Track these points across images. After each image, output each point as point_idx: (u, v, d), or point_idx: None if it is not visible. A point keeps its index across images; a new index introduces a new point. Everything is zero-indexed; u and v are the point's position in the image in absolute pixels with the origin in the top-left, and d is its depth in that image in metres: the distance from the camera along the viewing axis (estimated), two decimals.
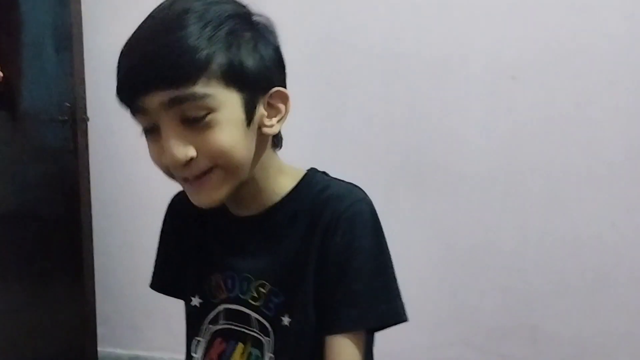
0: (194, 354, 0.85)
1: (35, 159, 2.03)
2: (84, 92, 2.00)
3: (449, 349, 1.91)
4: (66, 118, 1.95)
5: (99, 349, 2.10)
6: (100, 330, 2.10)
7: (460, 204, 1.87)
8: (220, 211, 0.80)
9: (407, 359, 1.91)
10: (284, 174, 0.81)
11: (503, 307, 1.85)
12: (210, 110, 0.68)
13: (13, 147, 2.03)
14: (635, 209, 1.73)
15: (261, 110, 0.74)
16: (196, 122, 0.68)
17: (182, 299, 0.88)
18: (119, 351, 2.21)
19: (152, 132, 0.71)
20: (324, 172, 0.84)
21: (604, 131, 1.73)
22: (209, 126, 0.68)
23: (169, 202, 0.92)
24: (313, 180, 0.81)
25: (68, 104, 1.94)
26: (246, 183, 0.76)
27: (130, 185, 2.15)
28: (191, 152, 0.69)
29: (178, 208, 0.90)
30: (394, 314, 0.76)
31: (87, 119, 1.99)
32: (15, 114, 2.03)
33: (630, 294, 1.75)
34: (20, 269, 2.02)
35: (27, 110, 2.03)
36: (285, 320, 0.77)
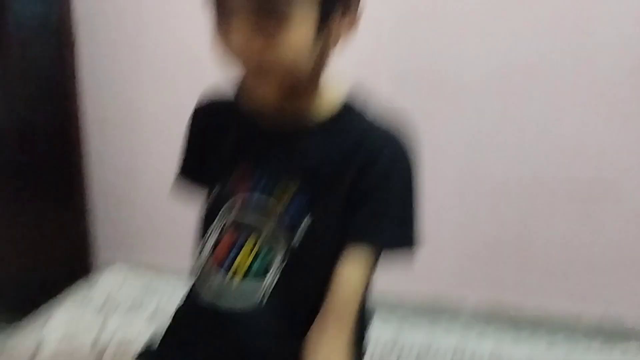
0: (205, 243, 0.88)
1: (23, 75, 1.95)
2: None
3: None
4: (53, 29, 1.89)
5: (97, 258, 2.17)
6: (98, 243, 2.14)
7: (456, 117, 1.85)
8: (251, 125, 0.84)
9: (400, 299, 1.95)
10: (328, 92, 0.83)
11: (495, 219, 1.86)
12: (289, 6, 0.69)
13: None
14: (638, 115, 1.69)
15: (334, 20, 0.75)
16: (272, 13, 0.69)
17: (205, 186, 0.91)
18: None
19: (224, 15, 0.72)
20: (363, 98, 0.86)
21: (606, 46, 1.70)
22: (283, 20, 0.70)
23: (194, 109, 0.93)
24: (357, 108, 0.84)
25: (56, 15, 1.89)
26: (292, 95, 0.78)
27: (127, 103, 2.06)
28: (259, 43, 0.71)
29: (203, 117, 0.93)
30: (411, 239, 0.83)
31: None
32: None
33: (629, 205, 1.74)
34: (11, 187, 1.97)
35: (14, 24, 1.94)
36: (306, 221, 0.81)
